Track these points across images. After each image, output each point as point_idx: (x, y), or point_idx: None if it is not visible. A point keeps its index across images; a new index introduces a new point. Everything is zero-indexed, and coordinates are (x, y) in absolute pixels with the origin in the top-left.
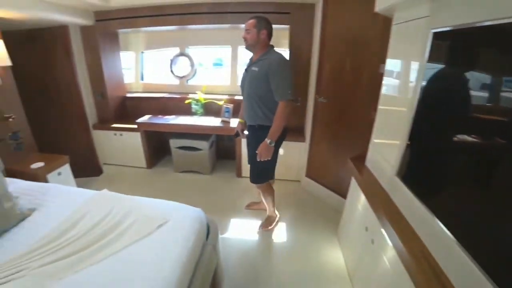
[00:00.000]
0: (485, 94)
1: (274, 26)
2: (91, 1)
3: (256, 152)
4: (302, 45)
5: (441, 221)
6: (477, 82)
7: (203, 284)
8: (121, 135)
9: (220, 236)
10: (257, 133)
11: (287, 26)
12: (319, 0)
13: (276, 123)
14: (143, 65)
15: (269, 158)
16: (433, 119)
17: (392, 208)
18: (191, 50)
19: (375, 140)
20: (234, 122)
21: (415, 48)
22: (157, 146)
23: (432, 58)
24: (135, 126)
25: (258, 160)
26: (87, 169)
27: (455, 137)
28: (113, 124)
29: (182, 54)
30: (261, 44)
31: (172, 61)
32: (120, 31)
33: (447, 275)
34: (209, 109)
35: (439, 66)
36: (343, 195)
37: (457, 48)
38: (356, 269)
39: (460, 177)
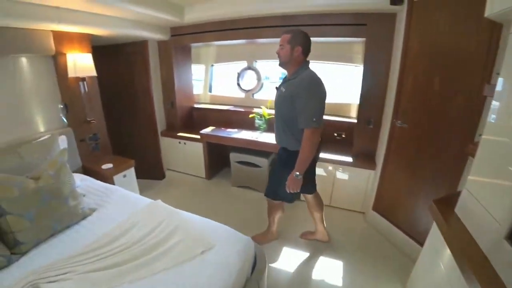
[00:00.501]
0: None
1: (347, 39)
2: (169, 18)
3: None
4: (378, 61)
5: None
6: None
7: None
8: (185, 143)
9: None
10: (282, 154)
11: (361, 39)
12: (401, 9)
13: (302, 154)
14: (212, 78)
15: (298, 190)
16: None
17: (495, 285)
18: (258, 64)
19: (473, 180)
20: None
21: None
22: (218, 158)
23: None
24: (199, 137)
25: (288, 191)
26: (152, 172)
27: None
28: (179, 132)
29: (249, 67)
30: (294, 61)
31: (239, 74)
32: (192, 45)
33: None
34: (273, 125)
35: None
36: (417, 240)
37: None
38: None
39: None
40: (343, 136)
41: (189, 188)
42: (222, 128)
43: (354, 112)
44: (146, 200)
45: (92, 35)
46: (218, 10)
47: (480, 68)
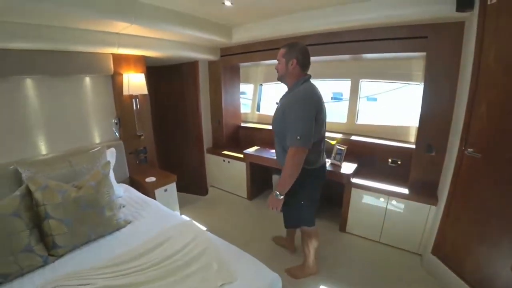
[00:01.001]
0: None
1: (405, 55)
2: (217, 39)
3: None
4: (442, 78)
5: None
6: None
7: None
8: (229, 162)
9: None
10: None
11: (421, 54)
12: (471, 16)
13: (283, 173)
14: (261, 97)
15: (278, 210)
16: None
17: None
18: None
19: None
20: (346, 167)
21: None
22: (261, 178)
23: None
24: (242, 156)
25: (270, 208)
26: (196, 187)
27: None
28: (224, 150)
29: None
30: (291, 75)
31: None
32: (241, 64)
33: None
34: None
35: None
36: None
37: None
38: None
39: None
40: (399, 163)
41: (229, 207)
42: (267, 149)
43: (412, 137)
44: (180, 218)
45: (146, 56)
46: (262, 30)
47: None
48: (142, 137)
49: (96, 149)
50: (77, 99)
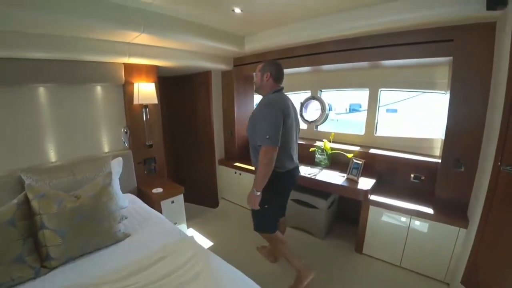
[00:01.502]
0: None
1: (428, 60)
2: (229, 49)
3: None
4: (472, 85)
5: None
6: None
7: None
8: (240, 174)
9: None
10: None
11: (446, 60)
12: (504, 15)
13: (257, 171)
14: None
15: (257, 207)
16: None
17: None
18: (324, 94)
19: None
20: (364, 183)
21: None
22: None
23: None
24: (253, 168)
25: (249, 205)
26: (207, 199)
27: None
28: (236, 162)
29: (313, 97)
30: (265, 87)
31: (302, 104)
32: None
33: None
34: (336, 161)
35: None
36: None
37: None
38: None
39: None
40: (422, 178)
41: (239, 222)
42: None
43: (437, 150)
44: (181, 233)
45: (158, 66)
46: (275, 38)
47: None
48: (152, 147)
49: (101, 159)
50: (88, 107)
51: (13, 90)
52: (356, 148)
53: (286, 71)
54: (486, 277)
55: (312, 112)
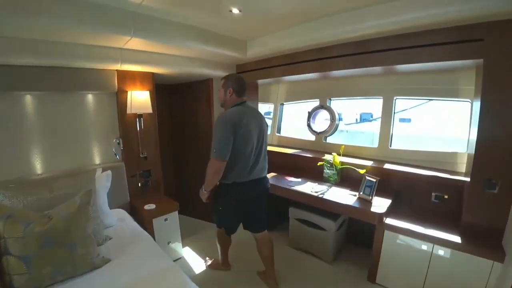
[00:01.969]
0: None
1: (451, 64)
2: (231, 54)
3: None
4: (509, 92)
5: None
6: None
7: None
8: None
9: None
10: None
11: (473, 63)
12: None
13: (205, 178)
14: (282, 118)
15: (204, 201)
16: None
17: None
18: (333, 103)
19: None
20: (378, 204)
21: None
22: (277, 209)
23: None
24: None
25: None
26: (207, 213)
27: None
28: None
29: (322, 106)
30: (229, 102)
31: (310, 114)
32: (260, 82)
33: None
34: (346, 177)
35: None
36: None
37: None
38: None
39: None
40: (445, 197)
41: (239, 239)
42: (284, 176)
43: (461, 165)
44: (167, 260)
45: (154, 73)
46: (278, 42)
47: None
48: (146, 159)
49: (86, 173)
50: (78, 117)
51: None
52: (369, 163)
53: (291, 77)
54: None
55: (321, 122)
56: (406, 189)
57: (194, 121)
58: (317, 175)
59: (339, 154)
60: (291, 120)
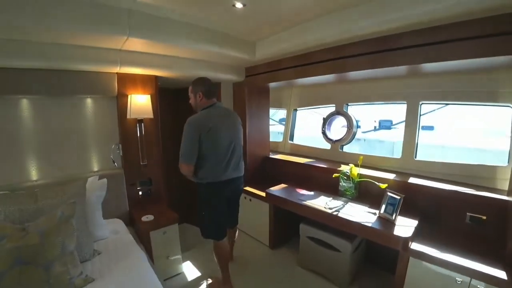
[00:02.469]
0: None
1: (487, 62)
2: (238, 56)
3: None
4: None
5: None
6: None
7: None
8: (250, 200)
9: None
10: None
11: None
12: None
13: None
14: (295, 124)
15: None
16: None
17: None
18: (350, 109)
19: None
20: (402, 225)
21: None
22: (287, 224)
23: None
24: (264, 194)
25: None
26: None
27: None
28: (245, 186)
29: (338, 112)
30: (200, 106)
31: (325, 120)
32: (272, 86)
33: None
34: (365, 191)
35: None
36: None
37: None
38: None
39: None
40: (483, 218)
41: (246, 256)
42: (296, 189)
43: (504, 182)
44: (155, 283)
45: (157, 76)
46: (289, 42)
47: None
48: (147, 167)
49: (74, 181)
50: (76, 121)
51: None
52: (391, 176)
53: (304, 81)
54: None
55: (337, 130)
56: (435, 207)
57: None
58: (332, 188)
59: (356, 165)
60: (305, 127)
